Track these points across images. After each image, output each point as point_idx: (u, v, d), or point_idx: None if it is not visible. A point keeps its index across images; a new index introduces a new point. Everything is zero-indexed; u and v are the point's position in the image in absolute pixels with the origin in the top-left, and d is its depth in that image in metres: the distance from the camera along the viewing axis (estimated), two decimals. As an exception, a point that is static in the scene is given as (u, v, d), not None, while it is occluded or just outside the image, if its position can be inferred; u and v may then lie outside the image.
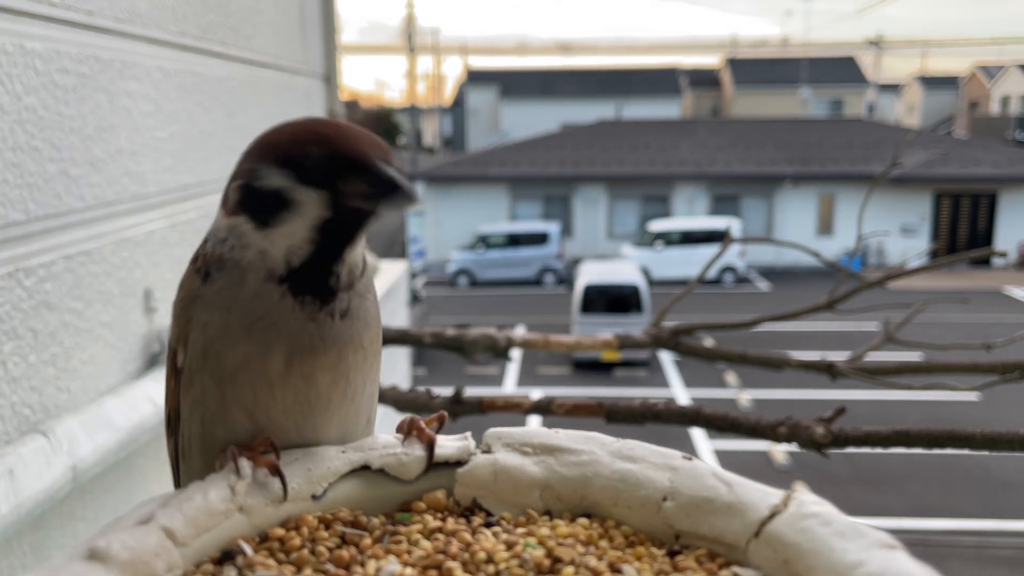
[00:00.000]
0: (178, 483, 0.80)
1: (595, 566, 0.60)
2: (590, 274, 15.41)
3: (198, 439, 0.74)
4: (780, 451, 9.93)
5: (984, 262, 22.37)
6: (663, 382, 13.20)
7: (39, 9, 1.20)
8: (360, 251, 0.73)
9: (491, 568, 0.60)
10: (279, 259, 0.69)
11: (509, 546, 0.63)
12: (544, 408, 1.78)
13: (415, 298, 15.27)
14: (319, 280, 0.69)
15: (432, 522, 0.67)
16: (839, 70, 40.52)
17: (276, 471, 0.68)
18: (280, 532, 0.65)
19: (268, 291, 0.69)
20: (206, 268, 0.71)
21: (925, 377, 2.04)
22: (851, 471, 9.64)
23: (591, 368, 13.77)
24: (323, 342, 0.70)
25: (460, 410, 1.82)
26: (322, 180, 0.67)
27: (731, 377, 12.89)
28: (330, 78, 2.84)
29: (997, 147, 25.16)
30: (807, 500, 0.63)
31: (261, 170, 0.69)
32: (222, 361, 0.70)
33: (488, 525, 0.68)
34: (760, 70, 41.29)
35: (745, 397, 12.06)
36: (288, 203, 0.68)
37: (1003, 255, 1.97)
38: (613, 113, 33.30)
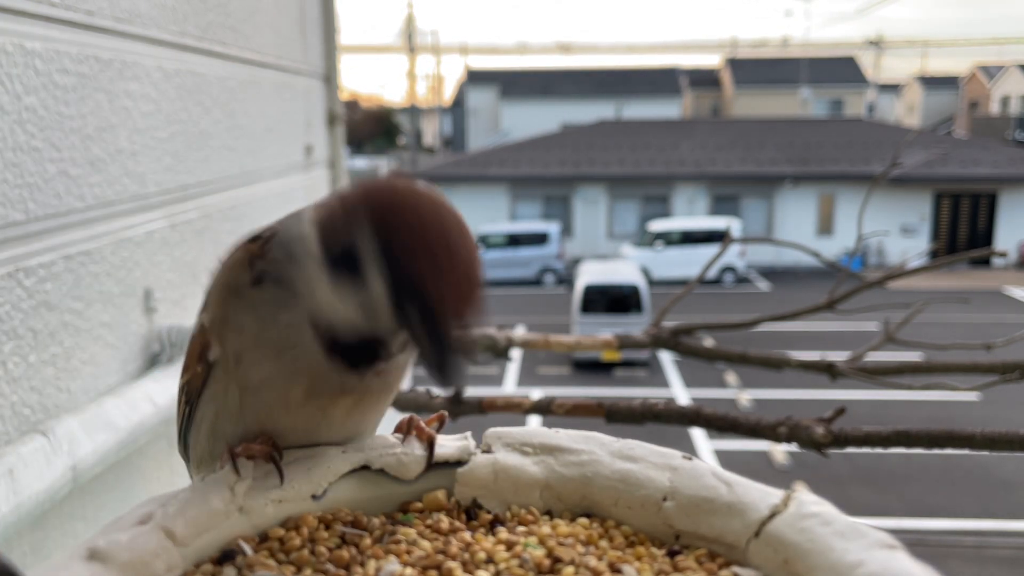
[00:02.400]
0: (184, 450, 0.80)
1: (595, 566, 0.60)
2: (590, 274, 15.41)
3: (209, 423, 0.74)
4: (780, 451, 9.93)
5: (984, 262, 22.37)
6: (663, 382, 13.20)
7: (39, 9, 1.20)
8: None
9: (491, 568, 0.60)
10: (330, 322, 0.66)
11: (509, 546, 0.63)
12: (544, 408, 1.78)
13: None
14: (359, 355, 0.68)
15: (432, 522, 0.67)
16: (839, 70, 40.52)
17: (271, 458, 0.68)
18: (280, 532, 0.65)
19: (308, 333, 0.67)
20: (262, 271, 0.68)
21: (925, 377, 2.04)
22: (851, 471, 9.64)
23: (591, 368, 13.77)
24: (345, 389, 0.70)
25: (460, 410, 1.82)
26: (399, 309, 0.63)
27: (731, 377, 12.89)
28: (330, 78, 2.84)
29: (997, 147, 25.17)
30: (807, 500, 0.63)
31: (364, 245, 0.63)
32: (248, 372, 0.69)
33: (491, 525, 0.68)
34: (760, 70, 41.29)
35: (745, 397, 12.06)
36: (365, 297, 0.64)
37: (1003, 255, 1.97)
38: (613, 113, 33.29)
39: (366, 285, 0.63)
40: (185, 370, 0.76)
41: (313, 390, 0.69)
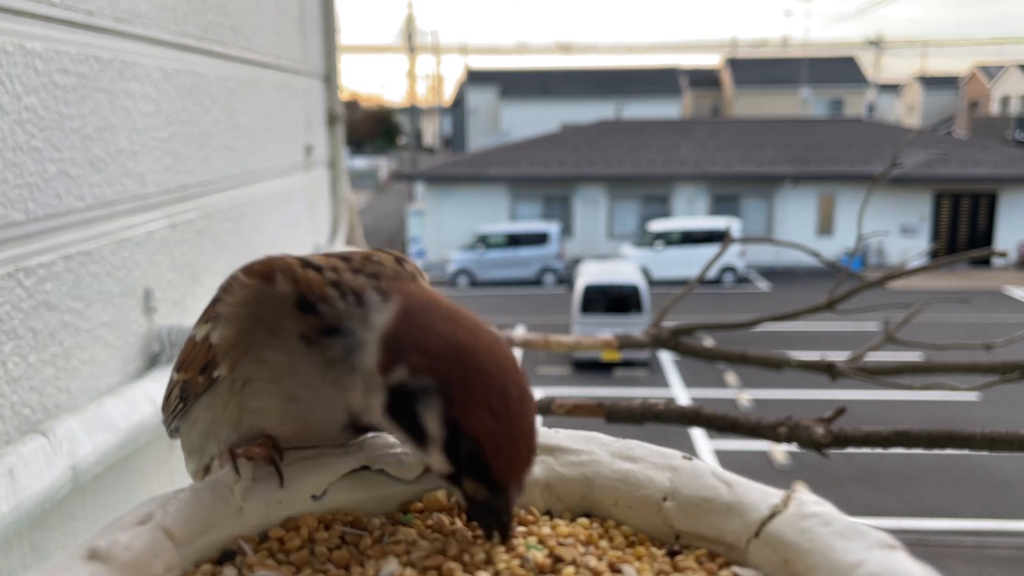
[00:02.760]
0: (173, 423, 0.81)
1: (595, 566, 0.60)
2: (590, 274, 15.41)
3: (204, 423, 0.75)
4: (780, 451, 9.93)
5: (984, 262, 22.38)
6: (663, 382, 13.20)
7: (39, 9, 1.20)
8: None
9: (491, 568, 0.60)
10: (357, 411, 0.68)
11: (508, 547, 0.63)
12: (544, 408, 1.78)
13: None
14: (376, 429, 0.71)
15: (432, 522, 0.67)
16: (839, 70, 40.53)
17: (270, 460, 0.68)
18: (280, 532, 0.65)
19: (331, 404, 0.68)
20: (326, 328, 0.67)
21: (925, 377, 2.04)
22: (851, 471, 9.64)
23: (591, 368, 13.78)
24: (337, 441, 0.72)
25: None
26: (461, 461, 0.63)
27: (731, 377, 12.89)
28: (330, 78, 2.84)
29: (997, 147, 25.18)
30: (807, 500, 0.63)
31: (430, 404, 0.62)
32: (254, 399, 0.70)
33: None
34: (760, 70, 41.30)
35: (745, 397, 12.06)
36: (420, 442, 0.64)
37: (1003, 255, 1.97)
38: (613, 113, 33.29)
39: (425, 435, 0.63)
40: (183, 368, 0.76)
41: (310, 434, 0.71)
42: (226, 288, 0.71)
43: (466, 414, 0.61)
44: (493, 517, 0.64)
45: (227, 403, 0.72)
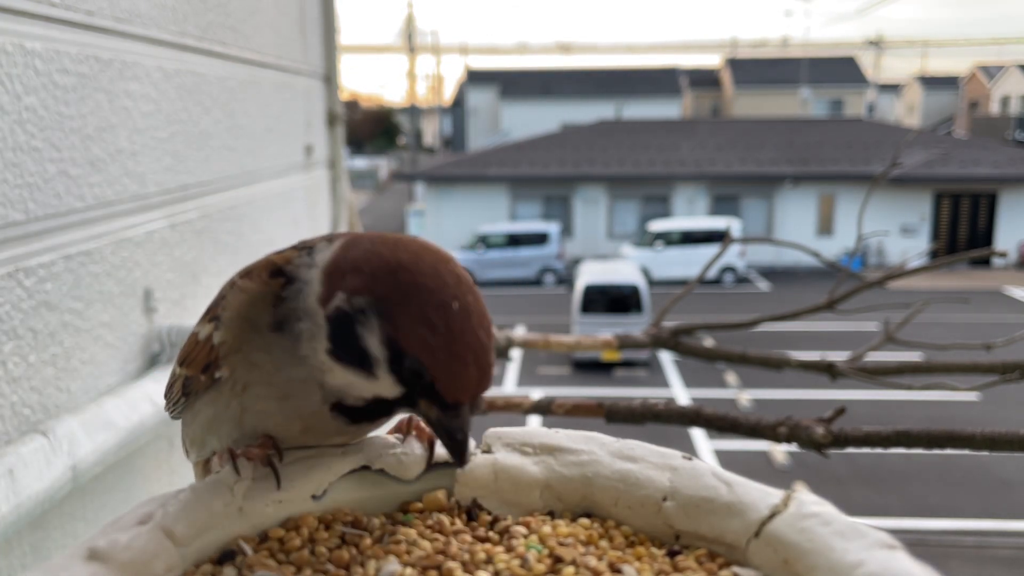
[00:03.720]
0: (174, 413, 0.81)
1: (595, 566, 0.60)
2: (590, 274, 15.41)
3: (206, 418, 0.75)
4: (780, 451, 9.93)
5: (984, 262, 22.38)
6: (663, 382, 13.20)
7: (39, 9, 1.20)
8: None
9: (491, 568, 0.60)
10: (332, 388, 0.67)
11: (509, 547, 0.63)
12: (544, 408, 1.78)
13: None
14: (363, 414, 0.69)
15: (432, 522, 0.67)
16: (839, 70, 40.52)
17: (268, 462, 0.68)
18: (280, 532, 0.65)
19: (312, 389, 0.68)
20: (282, 320, 0.67)
21: (925, 377, 2.04)
22: (851, 471, 9.64)
23: (591, 368, 13.77)
24: (341, 435, 0.72)
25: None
26: (411, 383, 0.64)
27: (731, 377, 12.89)
28: (330, 78, 2.84)
29: (997, 147, 25.18)
30: (807, 500, 0.63)
31: (368, 322, 0.63)
32: (253, 403, 0.71)
33: (491, 525, 0.68)
34: (760, 70, 41.29)
35: (745, 397, 12.06)
36: (368, 370, 0.64)
37: (1003, 255, 1.97)
38: (613, 113, 33.29)
39: (369, 359, 0.64)
40: (186, 364, 0.76)
41: (311, 431, 0.71)
42: (227, 291, 0.72)
43: (405, 332, 0.62)
44: (447, 436, 0.65)
45: (229, 402, 0.72)
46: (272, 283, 0.69)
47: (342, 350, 0.65)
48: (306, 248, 0.70)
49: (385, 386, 0.65)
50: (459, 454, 0.65)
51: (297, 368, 0.67)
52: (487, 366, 0.63)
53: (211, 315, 0.73)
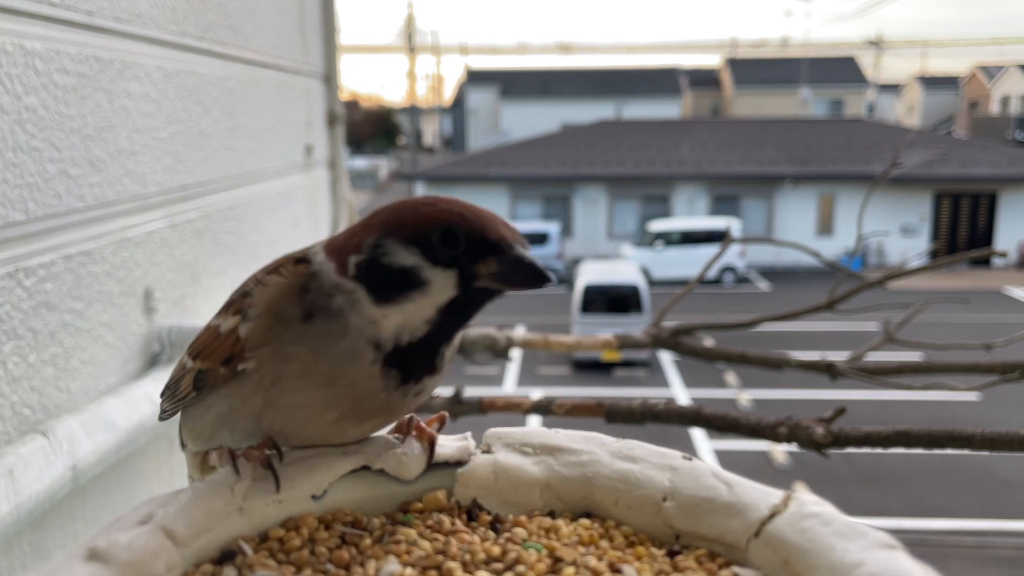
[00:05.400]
0: (178, 407, 0.81)
1: (595, 566, 0.60)
2: (590, 274, 15.41)
3: (219, 412, 0.75)
4: (780, 451, 9.93)
5: (984, 262, 22.37)
6: (663, 382, 13.19)
7: (39, 9, 1.20)
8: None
9: (491, 568, 0.60)
10: (389, 333, 0.68)
11: (508, 547, 0.63)
12: (544, 408, 1.78)
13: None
14: (421, 359, 0.70)
15: (432, 522, 0.67)
16: (839, 70, 40.52)
17: (267, 464, 0.68)
18: (280, 532, 0.65)
19: (363, 353, 0.68)
20: (311, 308, 0.69)
21: (925, 377, 2.04)
22: (851, 471, 9.64)
23: (591, 368, 13.77)
24: (382, 411, 0.71)
25: (460, 410, 1.82)
26: (455, 260, 0.66)
27: (731, 377, 12.88)
28: (330, 78, 2.84)
29: (997, 147, 25.17)
30: (807, 500, 0.63)
31: (388, 246, 0.67)
32: (285, 395, 0.70)
33: (491, 525, 0.68)
34: (760, 70, 41.29)
35: (745, 397, 12.06)
36: (417, 282, 0.66)
37: (1003, 255, 1.97)
38: (613, 113, 33.28)
39: (411, 273, 0.66)
40: (201, 357, 0.76)
41: (346, 414, 0.70)
42: (251, 286, 0.73)
43: (420, 222, 0.67)
44: (524, 270, 0.66)
45: (250, 396, 0.72)
46: (298, 270, 0.71)
47: (385, 290, 0.67)
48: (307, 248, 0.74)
49: (438, 284, 0.66)
50: (540, 275, 0.66)
51: (341, 342, 0.68)
52: (506, 221, 0.68)
53: (235, 309, 0.74)
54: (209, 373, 0.74)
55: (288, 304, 0.70)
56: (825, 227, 23.82)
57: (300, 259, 0.72)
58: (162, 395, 0.83)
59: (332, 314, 0.68)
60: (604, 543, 0.66)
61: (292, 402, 0.70)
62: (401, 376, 0.69)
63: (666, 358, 14.17)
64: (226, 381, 0.73)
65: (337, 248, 0.70)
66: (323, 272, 0.70)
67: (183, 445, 0.82)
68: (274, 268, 0.73)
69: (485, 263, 0.66)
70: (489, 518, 0.69)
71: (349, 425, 0.71)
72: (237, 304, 0.74)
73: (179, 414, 0.81)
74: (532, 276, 0.66)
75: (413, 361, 0.69)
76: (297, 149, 2.50)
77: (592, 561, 0.60)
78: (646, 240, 21.72)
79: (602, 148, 25.51)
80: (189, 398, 0.77)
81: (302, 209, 2.55)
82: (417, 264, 0.66)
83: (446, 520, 0.67)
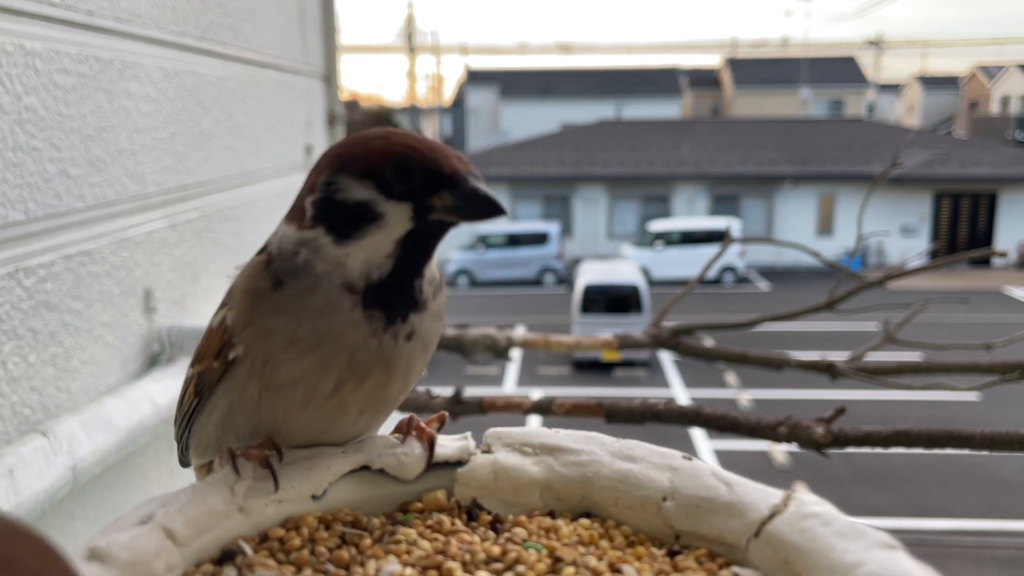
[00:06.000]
0: (183, 436, 0.82)
1: (595, 566, 0.60)
2: (590, 274, 15.40)
3: (221, 414, 0.75)
4: (780, 451, 9.94)
5: (984, 262, 22.38)
6: (663, 382, 13.19)
7: (39, 9, 1.20)
8: (435, 267, 0.73)
9: (491, 568, 0.60)
10: (357, 272, 0.68)
11: (506, 550, 0.63)
12: (544, 408, 1.78)
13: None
14: (399, 295, 0.69)
15: (432, 522, 0.67)
16: (839, 70, 40.51)
17: (266, 463, 0.68)
18: (280, 532, 0.65)
19: (340, 301, 0.68)
20: (278, 275, 0.69)
21: (925, 377, 2.04)
22: (851, 471, 9.64)
23: (591, 368, 13.77)
24: (378, 362, 0.70)
25: (460, 410, 1.82)
26: (410, 193, 0.67)
27: (731, 377, 12.89)
28: (330, 78, 2.84)
29: (997, 147, 25.16)
30: (807, 500, 0.63)
31: (341, 182, 0.68)
32: (278, 372, 0.70)
33: (491, 525, 0.68)
34: (760, 70, 41.28)
35: (745, 397, 12.06)
36: (372, 216, 0.67)
37: (1003, 255, 1.97)
38: (613, 113, 33.27)
39: (366, 207, 0.67)
40: (199, 360, 0.76)
41: (344, 376, 0.69)
42: (236, 277, 0.74)
43: (372, 155, 0.67)
44: (478, 202, 0.67)
45: (246, 385, 0.71)
46: (261, 255, 0.72)
47: (343, 227, 0.67)
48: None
49: (394, 217, 0.67)
50: (494, 207, 0.67)
51: (314, 296, 0.68)
52: (460, 153, 0.68)
53: (223, 303, 0.75)
54: (206, 373, 0.74)
55: (259, 280, 0.70)
56: (825, 227, 23.83)
57: (261, 248, 0.74)
58: (176, 418, 0.82)
59: (299, 270, 0.69)
60: (604, 543, 0.66)
61: (286, 378, 0.69)
62: (385, 315, 0.69)
63: (666, 358, 14.17)
64: (221, 376, 0.73)
65: (294, 206, 0.72)
66: (284, 236, 0.71)
67: (185, 463, 0.82)
68: (243, 264, 0.75)
69: (440, 196, 0.67)
70: (489, 518, 0.69)
71: (350, 392, 0.70)
72: (224, 300, 0.75)
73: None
74: (486, 208, 0.67)
75: (392, 299, 0.69)
76: (297, 149, 2.50)
77: (592, 561, 0.60)
78: (646, 240, 21.72)
79: (602, 148, 25.52)
80: (193, 408, 0.78)
81: (302, 209, 2.55)
82: (372, 198, 0.67)
83: (446, 520, 0.67)
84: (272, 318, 0.69)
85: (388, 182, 0.66)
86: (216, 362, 0.73)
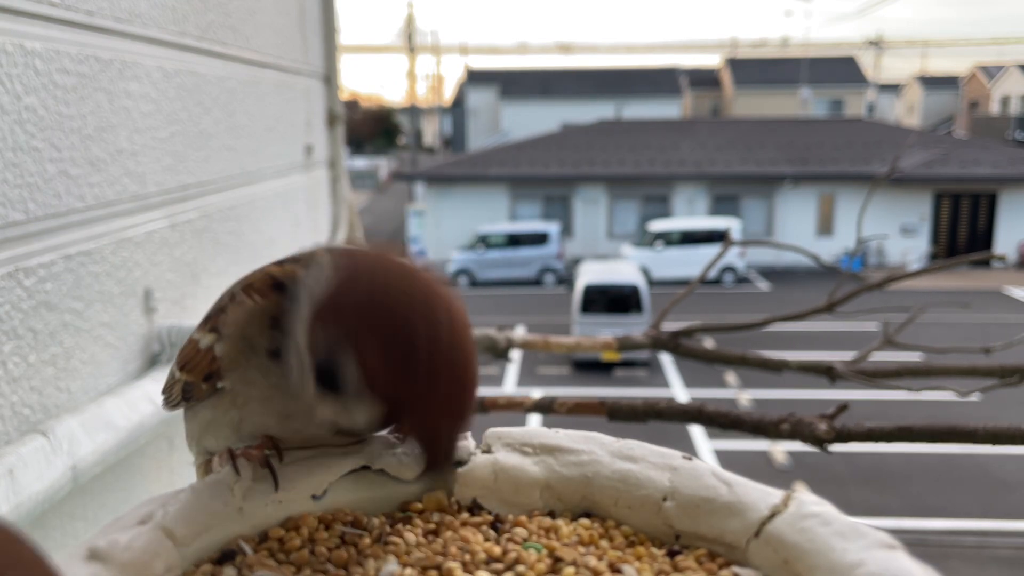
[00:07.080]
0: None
1: (595, 566, 0.60)
2: (590, 274, 15.41)
3: (206, 421, 0.75)
4: (780, 451, 9.94)
5: (984, 262, 22.38)
6: (663, 382, 13.20)
7: (39, 9, 1.20)
8: None
9: (491, 568, 0.60)
10: (324, 421, 0.68)
11: (506, 551, 0.63)
12: (546, 407, 1.78)
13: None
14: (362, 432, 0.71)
15: (432, 522, 0.67)
16: (839, 70, 40.53)
17: (265, 463, 0.68)
18: (280, 532, 0.65)
19: (312, 417, 0.68)
20: (279, 349, 0.67)
21: (925, 380, 2.04)
22: (851, 471, 9.64)
23: (591, 368, 13.77)
24: (346, 446, 0.72)
25: (460, 410, 1.81)
26: (390, 423, 0.68)
27: (731, 377, 12.89)
28: (330, 78, 2.84)
29: (997, 147, 25.17)
30: (807, 500, 0.63)
31: (344, 361, 0.63)
32: (252, 416, 0.71)
33: (491, 525, 0.68)
34: (760, 70, 41.31)
35: (745, 397, 12.06)
36: (352, 398, 0.65)
37: (1002, 259, 1.97)
38: (613, 113, 33.29)
39: (349, 401, 0.65)
40: (186, 369, 0.75)
41: (314, 441, 0.71)
42: (227, 302, 0.71)
43: (374, 369, 0.63)
44: (433, 464, 0.69)
45: (228, 410, 0.72)
46: (272, 296, 0.68)
47: (328, 387, 0.65)
48: (303, 262, 0.69)
49: (368, 419, 0.67)
50: (440, 471, 0.69)
51: (294, 400, 0.68)
52: (467, 398, 0.66)
53: (211, 325, 0.72)
54: (194, 387, 0.74)
55: (257, 333, 0.68)
56: (825, 227, 23.83)
57: (277, 283, 0.68)
58: (163, 394, 0.83)
59: (288, 369, 0.67)
60: (604, 543, 0.66)
61: (261, 423, 0.71)
62: (352, 439, 0.71)
63: (666, 358, 14.17)
64: (208, 395, 0.73)
65: (320, 310, 0.65)
66: (297, 321, 0.66)
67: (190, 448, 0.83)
68: (250, 284, 0.70)
69: (410, 429, 0.69)
70: (489, 518, 0.69)
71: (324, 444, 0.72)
72: (214, 320, 0.72)
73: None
74: (429, 465, 0.70)
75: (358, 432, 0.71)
76: (297, 149, 2.50)
77: (592, 561, 0.60)
78: (646, 240, 21.72)
79: (602, 148, 25.52)
80: (180, 405, 0.78)
81: (302, 209, 2.55)
82: (356, 392, 0.65)
83: (446, 520, 0.67)
84: (258, 377, 0.69)
85: (376, 385, 0.65)
86: (205, 384, 0.72)
